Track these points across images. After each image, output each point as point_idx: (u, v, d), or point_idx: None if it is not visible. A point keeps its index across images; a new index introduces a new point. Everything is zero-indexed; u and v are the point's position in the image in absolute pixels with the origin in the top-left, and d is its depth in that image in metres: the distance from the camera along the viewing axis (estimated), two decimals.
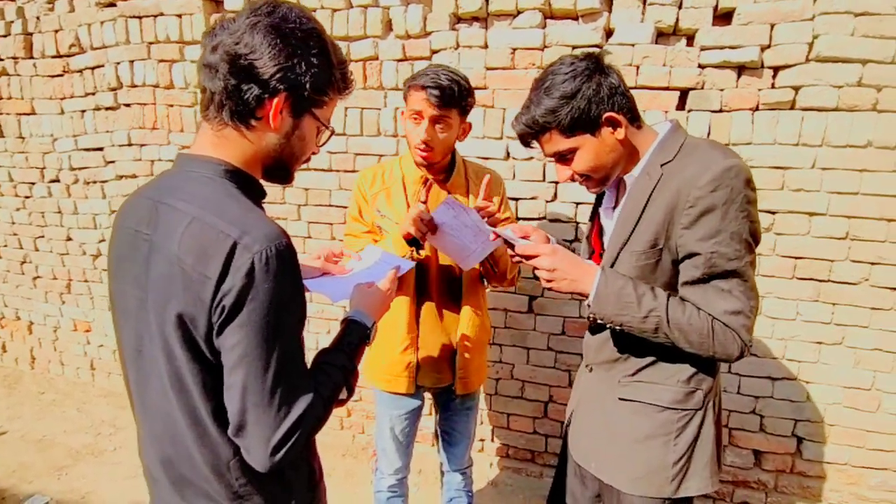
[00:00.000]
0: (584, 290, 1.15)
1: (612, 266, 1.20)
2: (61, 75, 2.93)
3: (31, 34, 2.93)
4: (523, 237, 1.28)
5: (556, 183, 2.29)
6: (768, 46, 1.99)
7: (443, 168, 1.73)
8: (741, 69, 2.03)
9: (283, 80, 0.86)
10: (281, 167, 0.96)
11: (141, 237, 0.89)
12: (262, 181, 0.97)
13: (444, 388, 1.85)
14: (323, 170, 2.57)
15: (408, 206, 1.72)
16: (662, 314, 1.08)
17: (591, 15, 2.16)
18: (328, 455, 2.83)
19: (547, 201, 2.31)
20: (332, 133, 1.00)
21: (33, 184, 3.16)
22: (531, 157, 2.28)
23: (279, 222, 2.60)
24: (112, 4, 2.72)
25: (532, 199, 2.32)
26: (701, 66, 2.06)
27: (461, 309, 1.77)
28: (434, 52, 2.33)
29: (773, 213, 2.08)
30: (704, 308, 1.09)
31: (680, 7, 2.06)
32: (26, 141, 3.10)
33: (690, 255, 1.09)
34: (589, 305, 1.15)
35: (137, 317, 0.89)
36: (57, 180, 3.11)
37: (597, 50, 1.17)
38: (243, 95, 0.86)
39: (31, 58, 2.96)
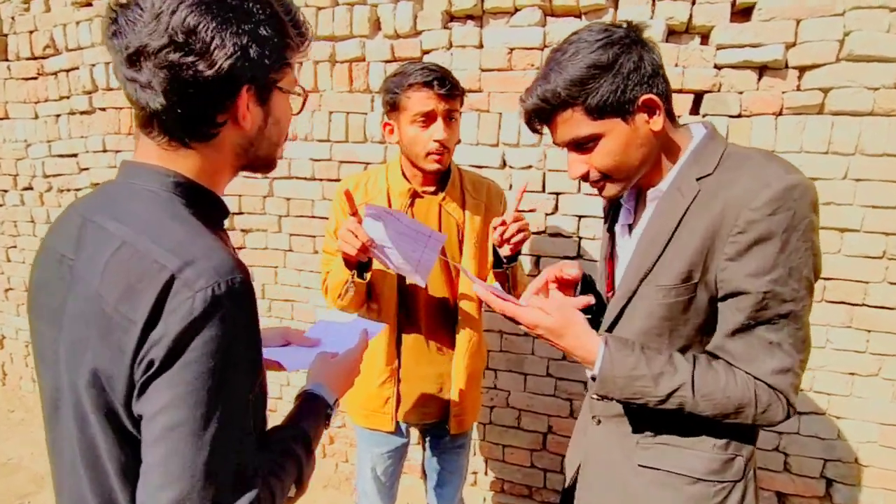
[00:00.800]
0: (585, 360, 0.94)
1: (629, 301, 0.97)
2: (35, 78, 2.79)
3: (6, 35, 2.80)
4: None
5: (558, 194, 2.09)
6: (793, 44, 1.79)
7: (437, 177, 1.53)
8: (762, 70, 1.84)
9: (241, 73, 0.67)
10: (261, 161, 0.80)
11: (65, 263, 0.70)
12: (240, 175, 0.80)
13: (432, 424, 1.65)
14: (305, 178, 2.38)
15: None
16: (688, 394, 0.87)
17: (595, 11, 1.97)
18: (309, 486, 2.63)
19: (547, 214, 2.11)
20: (306, 95, 0.82)
21: (6, 191, 3.02)
22: (530, 166, 2.09)
23: (258, 235, 2.51)
24: (89, 4, 2.58)
25: (530, 211, 2.12)
26: (717, 67, 1.87)
27: (455, 337, 1.56)
28: (425, 52, 2.15)
29: None
30: (745, 366, 0.87)
31: (694, 3, 1.87)
32: (0, 147, 2.96)
33: (735, 294, 0.87)
34: (593, 379, 0.93)
35: (54, 364, 0.70)
36: (30, 188, 2.97)
37: (634, 20, 0.95)
38: (195, 112, 0.68)
39: (6, 60, 2.82)
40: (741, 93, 1.86)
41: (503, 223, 1.34)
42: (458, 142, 1.51)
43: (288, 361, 0.98)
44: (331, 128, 2.31)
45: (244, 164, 0.79)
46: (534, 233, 2.13)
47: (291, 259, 2.49)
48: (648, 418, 0.99)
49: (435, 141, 1.40)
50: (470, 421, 1.65)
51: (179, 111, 0.67)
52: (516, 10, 2.04)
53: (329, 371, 0.95)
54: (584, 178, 0.98)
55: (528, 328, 0.96)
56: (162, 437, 0.61)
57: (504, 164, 2.13)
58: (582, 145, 0.95)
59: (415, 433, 1.77)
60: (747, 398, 0.86)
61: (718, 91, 1.88)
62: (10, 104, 2.87)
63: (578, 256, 2.11)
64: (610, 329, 1.02)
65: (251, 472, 0.66)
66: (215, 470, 0.61)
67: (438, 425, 1.63)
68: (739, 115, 1.88)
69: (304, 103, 0.83)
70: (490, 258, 1.53)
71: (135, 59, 0.65)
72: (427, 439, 1.75)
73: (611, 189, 0.98)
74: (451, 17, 2.15)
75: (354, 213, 1.34)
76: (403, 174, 1.54)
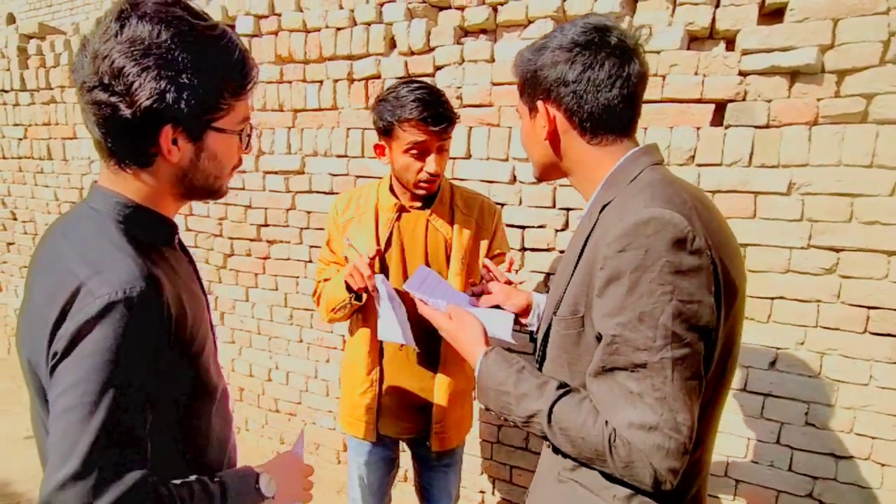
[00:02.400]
0: (472, 366, 0.95)
1: (547, 331, 0.93)
2: None
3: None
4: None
5: (568, 210, 2.00)
6: (830, 47, 1.62)
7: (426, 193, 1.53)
8: (794, 75, 1.67)
9: (159, 113, 0.74)
10: (200, 190, 0.86)
11: (31, 271, 0.82)
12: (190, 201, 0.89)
13: (414, 439, 1.63)
14: (324, 192, 2.45)
15: (377, 237, 1.53)
16: (544, 422, 0.81)
17: None
18: (322, 491, 2.67)
19: (557, 230, 2.03)
20: (252, 131, 0.89)
21: (73, 203, 3.31)
22: (540, 181, 2.02)
23: (281, 246, 2.60)
24: None
25: (540, 227, 2.05)
26: (742, 74, 1.72)
27: (439, 351, 1.55)
28: (438, 67, 2.15)
29: (838, 250, 1.68)
30: (604, 412, 0.79)
31: (717, 5, 1.74)
32: (69, 163, 3.26)
33: (600, 335, 0.80)
34: None
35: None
36: None
37: (641, 33, 0.91)
38: (124, 143, 0.76)
39: (74, 86, 3.10)
40: (769, 101, 1.71)
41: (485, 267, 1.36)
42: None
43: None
44: (348, 144, 2.35)
45: (182, 192, 0.85)
46: (543, 249, 2.06)
47: (311, 270, 2.56)
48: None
49: (427, 172, 1.42)
50: (453, 440, 1.60)
51: (110, 141, 0.76)
52: (529, 22, 2.00)
53: (269, 462, 0.99)
54: None
55: (438, 328, 1.10)
56: (56, 418, 0.68)
57: (514, 179, 2.08)
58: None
59: (405, 446, 1.76)
60: (601, 446, 0.77)
61: (744, 100, 1.74)
62: (77, 125, 3.16)
63: None
64: (540, 360, 0.98)
65: (136, 461, 0.70)
66: (97, 452, 0.67)
67: (420, 441, 1.61)
68: (767, 126, 1.72)
69: (249, 140, 0.89)
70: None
71: (80, 93, 0.75)
72: (414, 455, 1.73)
73: (532, 169, 1.04)
74: (464, 33, 2.14)
75: (371, 264, 1.38)
76: (392, 190, 1.54)
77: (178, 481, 0.78)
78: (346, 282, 1.42)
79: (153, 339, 0.74)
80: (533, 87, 0.91)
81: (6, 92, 3.44)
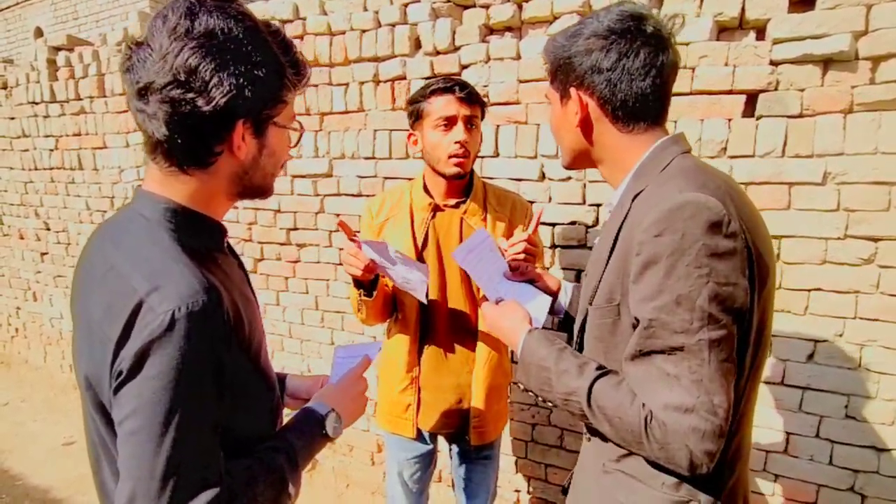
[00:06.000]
0: (513, 347, 0.98)
1: (583, 323, 0.94)
2: (126, 111, 3.12)
3: (104, 75, 3.16)
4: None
5: (598, 206, 2.00)
6: (864, 33, 1.60)
7: (460, 189, 1.56)
8: (827, 63, 1.65)
9: (236, 109, 0.74)
10: (255, 189, 0.86)
11: (80, 280, 0.81)
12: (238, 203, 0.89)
13: (453, 434, 1.66)
14: (352, 195, 2.47)
15: (413, 237, 1.56)
16: (583, 401, 0.82)
17: None
18: (357, 494, 2.70)
19: (587, 227, 2.03)
20: (303, 130, 0.90)
21: (105, 212, 3.39)
22: (569, 178, 2.02)
23: (311, 249, 2.63)
24: None
25: (570, 224, 2.05)
26: (774, 63, 1.71)
27: (475, 348, 1.57)
28: (463, 66, 2.16)
29: (876, 240, 1.65)
30: (641, 394, 0.79)
31: None
32: (99, 172, 3.34)
33: (636, 318, 0.82)
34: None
35: (75, 366, 0.81)
36: None
37: (675, 21, 0.92)
38: (194, 141, 0.75)
39: (104, 96, 3.18)
40: (802, 90, 1.69)
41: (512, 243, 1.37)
42: (478, 151, 1.56)
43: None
44: (375, 146, 2.38)
45: (239, 190, 0.85)
46: (574, 246, 2.06)
47: (342, 273, 2.58)
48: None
49: (456, 143, 1.44)
50: (492, 434, 1.63)
51: (179, 140, 0.75)
52: (555, 18, 2.00)
53: (326, 390, 1.00)
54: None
55: (483, 316, 1.16)
56: (125, 441, 0.68)
57: (543, 177, 2.08)
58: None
59: (444, 442, 1.78)
60: (638, 428, 0.78)
61: (776, 90, 1.72)
62: (107, 135, 3.23)
63: None
64: (578, 349, 1.00)
65: (211, 474, 0.71)
66: (170, 473, 0.67)
67: (459, 436, 1.63)
68: (801, 115, 1.70)
69: (300, 137, 0.90)
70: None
71: (143, 92, 0.73)
72: (452, 449, 1.75)
73: (562, 156, 1.04)
74: (490, 31, 2.15)
75: (352, 239, 1.39)
76: (426, 188, 1.56)
77: (243, 467, 0.78)
78: (353, 279, 1.45)
79: (218, 351, 0.73)
80: (566, 73, 0.92)
81: (37, 104, 3.53)
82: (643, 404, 0.79)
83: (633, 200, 0.87)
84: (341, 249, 2.51)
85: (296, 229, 2.67)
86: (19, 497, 2.72)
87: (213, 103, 0.72)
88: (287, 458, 0.83)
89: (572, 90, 0.91)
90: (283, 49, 0.80)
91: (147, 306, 0.68)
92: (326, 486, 2.77)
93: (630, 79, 0.87)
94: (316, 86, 2.47)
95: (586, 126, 0.93)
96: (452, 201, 1.56)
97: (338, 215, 2.52)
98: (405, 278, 1.41)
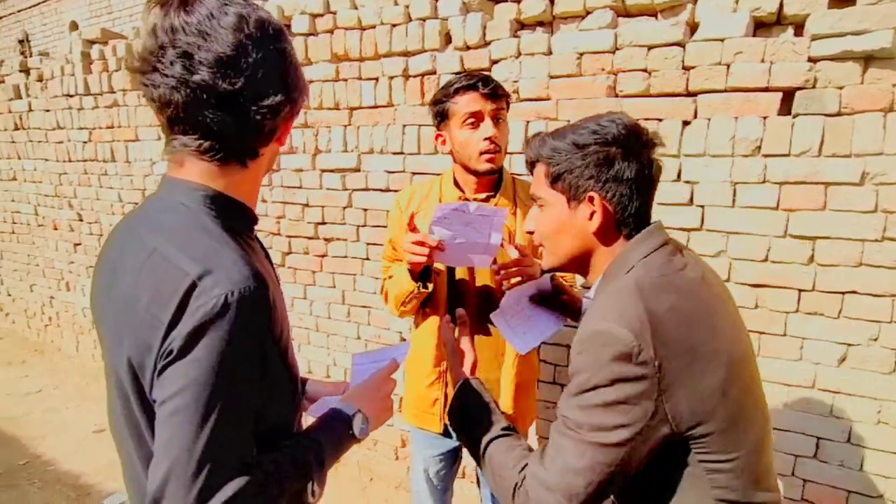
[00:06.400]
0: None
1: None
2: None
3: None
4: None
5: None
6: None
7: (490, 184, 1.57)
8: (868, 60, 1.62)
9: (288, 94, 0.79)
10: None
11: (109, 266, 0.81)
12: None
13: None
14: (380, 190, 2.49)
15: None
16: (480, 450, 1.00)
17: (672, 9, 1.86)
18: (380, 487, 2.73)
19: None
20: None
21: (136, 203, 3.46)
22: None
23: (339, 244, 2.66)
24: None
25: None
26: (812, 60, 1.67)
27: (505, 343, 1.58)
28: (494, 62, 2.16)
29: None
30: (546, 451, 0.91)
31: None
32: (131, 165, 3.41)
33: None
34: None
35: (107, 350, 0.82)
36: None
37: (653, 129, 1.01)
38: (249, 133, 0.77)
39: (136, 89, 3.25)
40: (841, 88, 1.65)
41: (499, 269, 1.40)
42: (507, 146, 1.56)
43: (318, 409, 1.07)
44: (404, 140, 2.39)
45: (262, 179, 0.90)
46: None
47: (368, 267, 2.61)
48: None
49: (485, 139, 1.45)
50: (519, 429, 1.63)
51: (231, 135, 0.76)
52: (588, 12, 1.98)
53: (353, 391, 1.01)
54: (529, 232, 1.08)
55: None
56: (166, 421, 0.68)
57: None
58: (538, 205, 1.04)
59: None
60: (509, 490, 0.91)
61: (813, 87, 1.69)
62: (139, 128, 3.30)
63: None
64: None
65: (244, 464, 0.72)
66: (208, 457, 0.67)
67: None
68: (839, 114, 1.67)
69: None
70: None
71: (183, 82, 0.73)
72: None
73: (545, 259, 1.06)
74: (521, 26, 2.14)
75: (413, 228, 1.42)
76: (456, 183, 1.57)
77: (271, 460, 0.78)
78: (410, 270, 1.46)
79: (263, 337, 0.74)
80: (580, 178, 0.94)
81: (71, 97, 3.62)
82: (521, 470, 0.91)
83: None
84: (371, 245, 2.55)
85: (324, 223, 2.70)
86: (51, 482, 2.80)
87: (296, 105, 0.80)
88: (315, 456, 0.84)
89: (595, 196, 0.93)
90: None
91: (200, 289, 0.69)
92: (352, 479, 2.80)
93: (645, 189, 0.95)
94: (346, 80, 2.49)
95: (605, 232, 0.96)
96: (482, 195, 1.56)
97: (365, 210, 2.54)
98: (474, 247, 1.42)
